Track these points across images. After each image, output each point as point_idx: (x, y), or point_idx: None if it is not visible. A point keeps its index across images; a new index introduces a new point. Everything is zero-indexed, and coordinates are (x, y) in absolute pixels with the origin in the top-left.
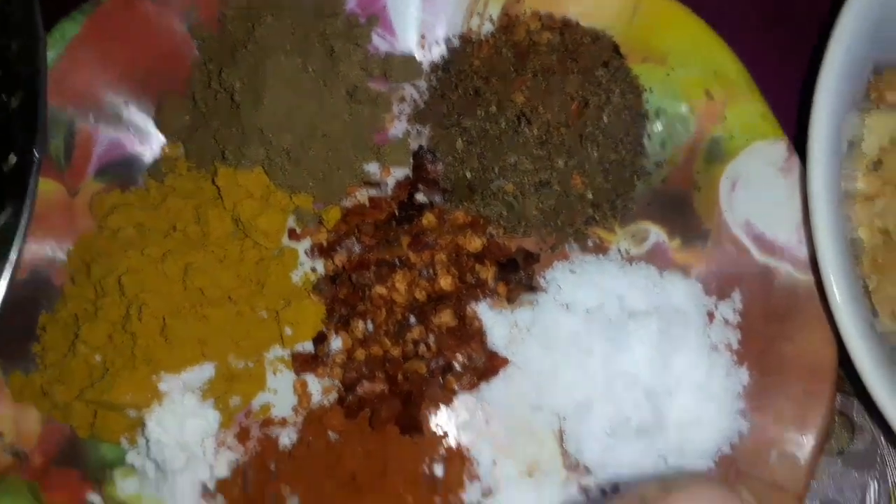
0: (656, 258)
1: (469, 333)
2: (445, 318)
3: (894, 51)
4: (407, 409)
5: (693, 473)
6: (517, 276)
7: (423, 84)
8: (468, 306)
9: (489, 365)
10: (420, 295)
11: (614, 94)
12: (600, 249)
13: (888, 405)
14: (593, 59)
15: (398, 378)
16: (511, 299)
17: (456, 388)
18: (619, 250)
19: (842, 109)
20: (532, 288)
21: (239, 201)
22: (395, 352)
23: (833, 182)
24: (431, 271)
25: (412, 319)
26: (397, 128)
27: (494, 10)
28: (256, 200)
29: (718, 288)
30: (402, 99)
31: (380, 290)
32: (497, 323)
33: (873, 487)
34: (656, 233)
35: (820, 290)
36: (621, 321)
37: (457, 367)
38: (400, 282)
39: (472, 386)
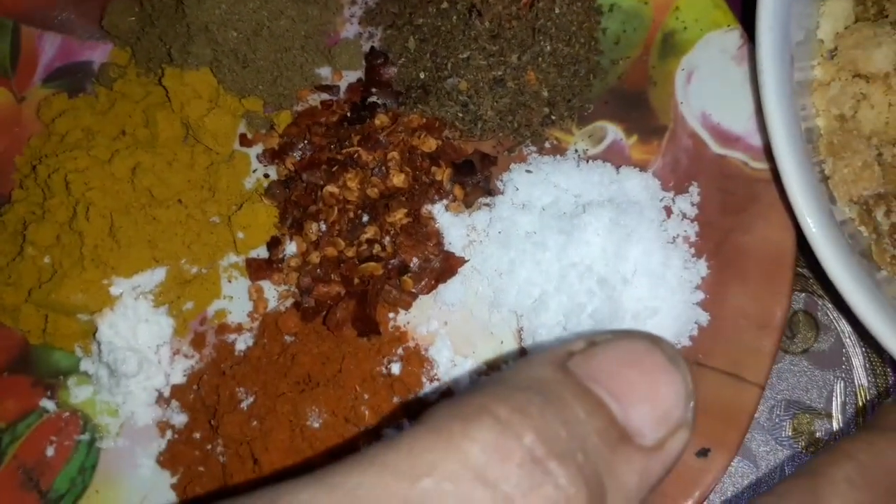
0: (614, 156)
1: (425, 234)
2: (399, 215)
3: None
4: (363, 310)
5: (621, 330)
6: (474, 178)
7: None
8: (423, 207)
9: (446, 266)
10: (373, 193)
11: None
12: (558, 151)
13: (847, 289)
14: None
15: (354, 280)
16: (468, 203)
17: (413, 290)
18: (577, 151)
19: (786, 14)
20: (489, 191)
21: (187, 102)
22: (350, 253)
23: (784, 68)
24: (384, 169)
25: (365, 218)
26: (349, 31)
27: None
28: (204, 101)
29: (676, 182)
30: (354, 2)
31: (331, 188)
32: (453, 225)
33: (839, 387)
34: (613, 131)
35: (776, 178)
36: (575, 214)
37: (413, 268)
38: (352, 180)
39: (430, 288)
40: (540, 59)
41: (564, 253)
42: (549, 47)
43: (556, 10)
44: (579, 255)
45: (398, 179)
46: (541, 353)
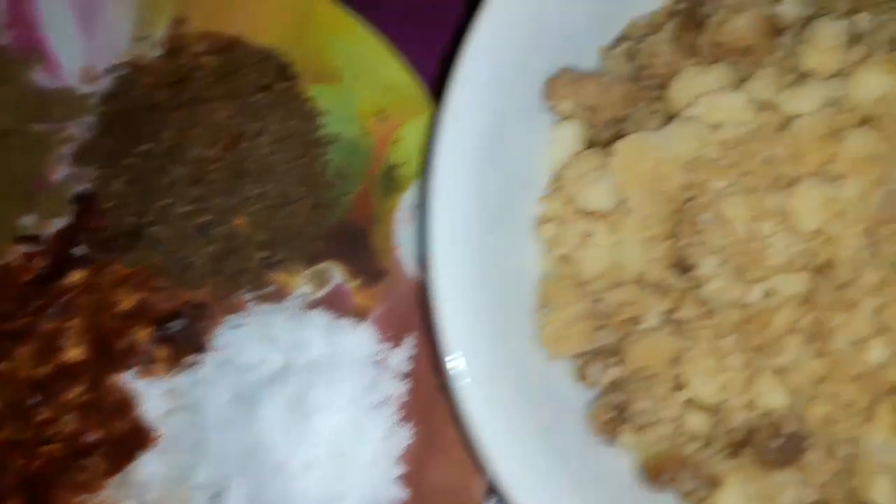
0: (339, 301)
1: (113, 407)
2: (75, 392)
3: (564, 53)
4: (40, 501)
5: None
6: (181, 334)
7: (91, 120)
8: (112, 377)
9: (139, 440)
10: (44, 370)
11: (274, 121)
12: (280, 296)
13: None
14: (253, 83)
15: (32, 466)
16: (174, 362)
17: (99, 471)
18: (301, 295)
19: (480, 136)
20: (199, 347)
21: None
22: (27, 436)
23: (467, 220)
24: (64, 340)
25: (39, 398)
26: (61, 172)
27: (161, 32)
28: None
29: (394, 333)
30: (68, 139)
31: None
32: (150, 392)
33: None
34: (339, 273)
35: None
36: (273, 380)
37: (98, 448)
38: (25, 355)
39: (118, 468)
40: (248, 201)
41: (250, 429)
42: (257, 190)
43: (263, 150)
44: (260, 433)
45: (75, 352)
46: None
